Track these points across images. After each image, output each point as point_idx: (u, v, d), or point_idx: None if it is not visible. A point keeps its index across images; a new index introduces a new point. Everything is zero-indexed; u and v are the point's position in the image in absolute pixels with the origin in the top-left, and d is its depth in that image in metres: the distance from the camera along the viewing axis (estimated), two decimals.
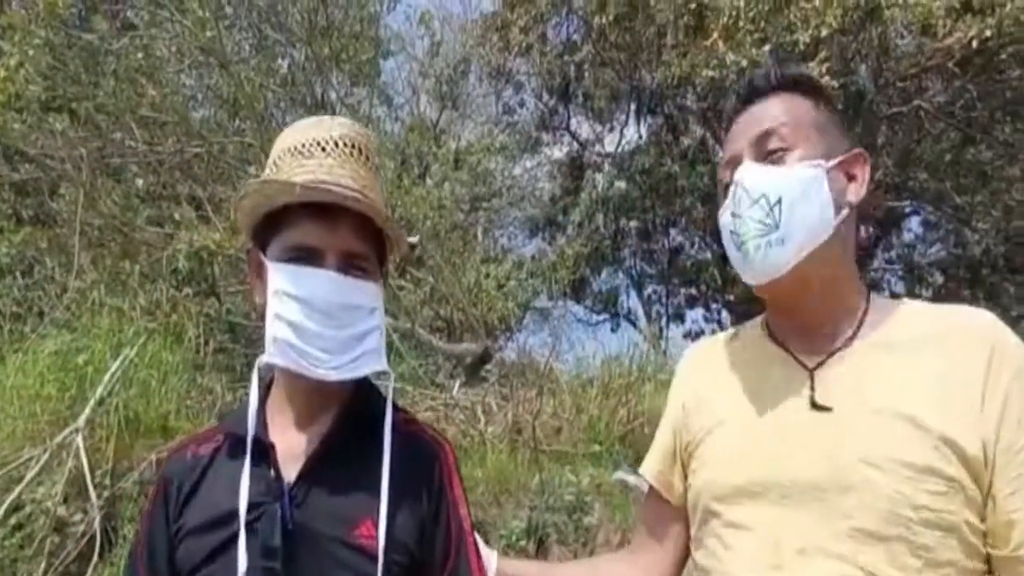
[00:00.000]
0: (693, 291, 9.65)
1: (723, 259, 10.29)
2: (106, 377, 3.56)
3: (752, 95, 0.96)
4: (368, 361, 0.95)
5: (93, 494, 3.02)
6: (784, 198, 0.87)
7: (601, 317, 9.88)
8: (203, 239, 4.96)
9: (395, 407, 1.00)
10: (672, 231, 9.66)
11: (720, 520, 0.92)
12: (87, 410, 3.37)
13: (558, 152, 10.24)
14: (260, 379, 0.96)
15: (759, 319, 1.03)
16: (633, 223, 9.26)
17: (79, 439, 3.18)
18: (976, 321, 0.86)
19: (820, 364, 0.89)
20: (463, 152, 8.54)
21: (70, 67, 6.27)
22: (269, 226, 0.98)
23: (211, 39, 6.41)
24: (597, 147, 10.16)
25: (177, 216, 5.39)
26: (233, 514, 0.90)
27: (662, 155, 8.91)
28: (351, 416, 0.98)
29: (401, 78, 10.05)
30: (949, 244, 8.59)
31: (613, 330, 10.13)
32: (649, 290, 10.01)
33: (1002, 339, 0.83)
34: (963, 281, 8.08)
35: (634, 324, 9.80)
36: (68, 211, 5.05)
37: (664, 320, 9.68)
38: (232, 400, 3.87)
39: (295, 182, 0.93)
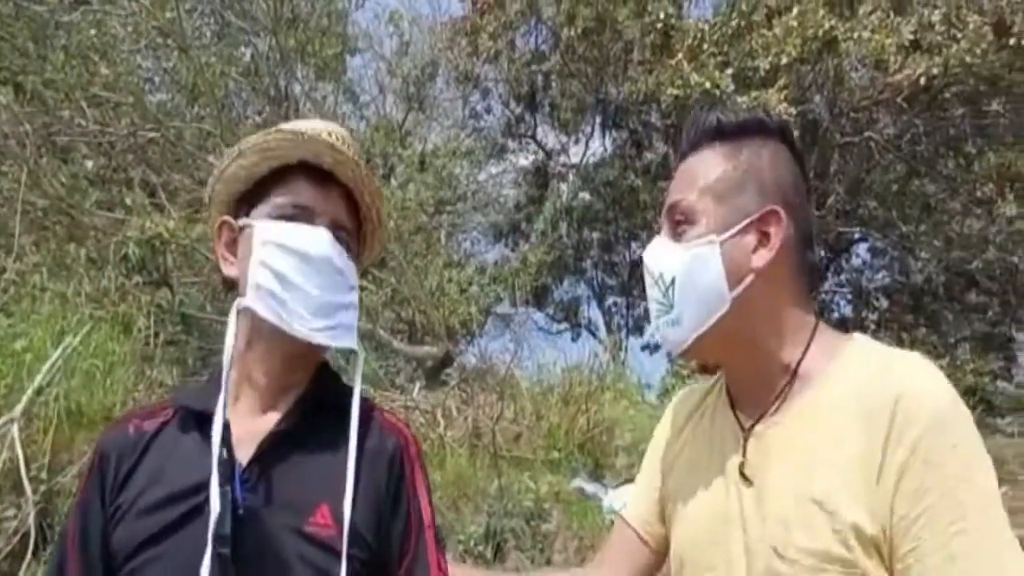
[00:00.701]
0: None
1: None
2: (46, 366, 3.36)
3: (683, 153, 0.95)
4: (343, 335, 0.92)
5: (28, 488, 2.83)
6: (677, 278, 0.87)
7: (562, 326, 9.95)
8: (156, 227, 4.76)
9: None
10: (633, 244, 9.82)
11: None
12: (24, 400, 3.17)
13: (523, 160, 10.30)
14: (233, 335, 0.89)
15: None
16: (596, 234, 9.38)
17: (14, 429, 2.99)
18: (890, 390, 0.78)
19: (753, 426, 0.88)
20: (429, 155, 8.49)
21: (17, 38, 5.96)
22: (252, 195, 0.95)
23: (170, 21, 6.20)
24: (562, 157, 10.27)
25: (129, 201, 5.16)
26: (183, 494, 0.84)
27: (626, 169, 9.06)
28: (311, 399, 0.93)
29: (368, 76, 9.95)
30: (894, 271, 9.00)
31: (573, 339, 10.25)
32: (610, 301, 10.16)
33: (910, 411, 0.76)
34: (906, 307, 8.46)
35: (594, 334, 9.90)
36: (9, 189, 4.76)
37: (624, 332, 9.81)
38: None
39: (303, 131, 0.92)
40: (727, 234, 0.86)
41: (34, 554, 2.70)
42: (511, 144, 10.31)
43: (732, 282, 0.86)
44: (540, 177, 10.13)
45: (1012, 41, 6.42)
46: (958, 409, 0.77)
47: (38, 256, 4.46)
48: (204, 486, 0.83)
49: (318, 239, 0.90)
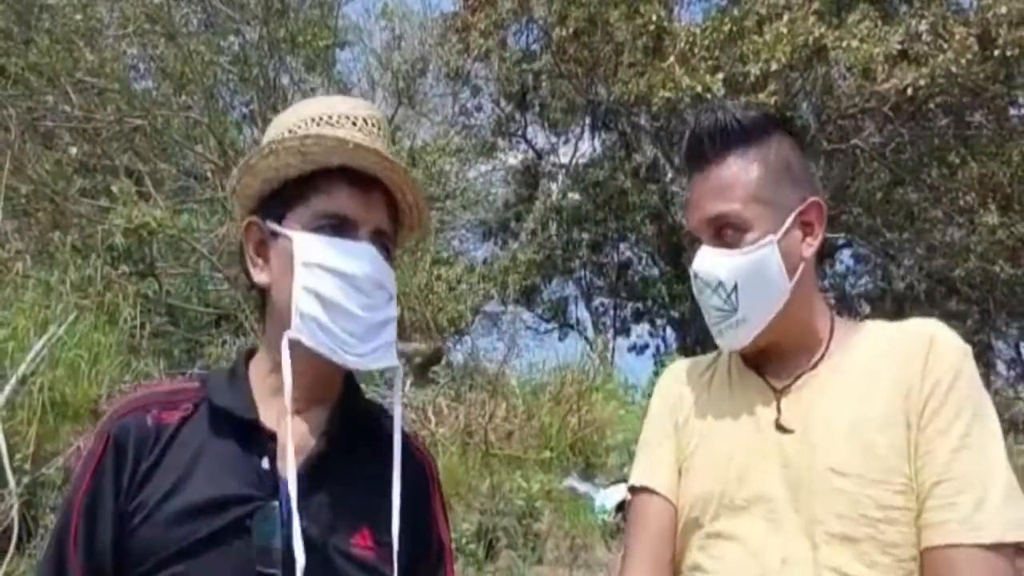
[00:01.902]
0: (640, 306, 9.89)
1: (671, 277, 10.58)
2: (29, 355, 3.28)
3: (703, 160, 0.96)
4: (386, 355, 0.88)
5: (12, 480, 2.76)
6: (740, 283, 0.92)
7: (550, 325, 9.97)
8: (143, 216, 4.67)
9: (383, 411, 0.95)
10: (622, 246, 9.87)
11: (703, 531, 0.95)
12: (7, 389, 3.09)
13: (513, 159, 10.29)
14: (288, 355, 0.84)
15: None
16: (585, 235, 9.40)
17: None
18: (923, 334, 0.92)
19: (786, 388, 0.95)
20: (418, 151, 8.43)
21: (1, 21, 5.83)
22: (285, 195, 0.88)
23: (158, 7, 6.10)
24: (552, 157, 10.28)
25: (115, 189, 5.05)
26: (223, 504, 0.78)
27: (615, 170, 9.09)
28: (346, 416, 0.90)
29: (357, 70, 9.86)
30: (877, 278, 9.14)
31: (561, 339, 10.28)
32: (597, 302, 10.20)
33: (944, 348, 0.90)
34: (888, 313, 8.60)
35: (582, 334, 9.95)
36: None
37: (611, 332, 9.86)
38: None
39: (349, 139, 0.85)
40: (781, 232, 0.92)
41: (17, 547, 2.63)
42: (501, 143, 10.29)
43: (790, 273, 0.93)
44: (530, 176, 10.12)
45: (996, 52, 6.53)
46: (971, 357, 0.92)
47: (21, 243, 4.35)
48: (245, 499, 0.79)
49: (364, 257, 0.85)
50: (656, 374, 6.65)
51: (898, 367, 0.90)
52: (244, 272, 0.93)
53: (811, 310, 0.97)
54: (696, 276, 0.96)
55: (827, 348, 0.95)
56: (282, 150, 0.86)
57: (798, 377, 0.94)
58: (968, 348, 0.91)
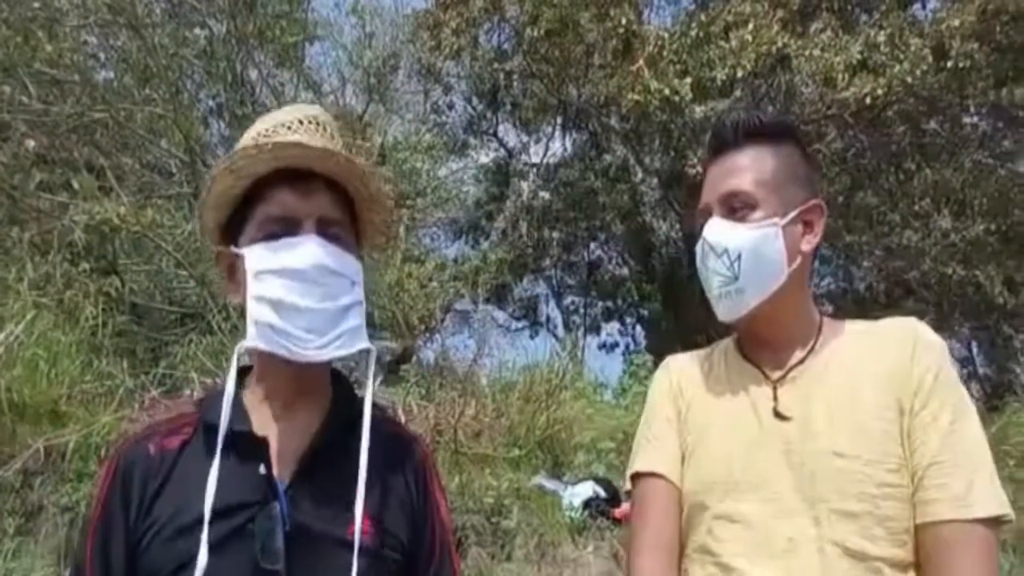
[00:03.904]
0: (610, 304, 10.02)
1: (640, 276, 10.65)
2: None
3: (722, 146, 1.06)
4: (351, 340, 0.89)
5: None
6: (744, 253, 1.01)
7: (521, 324, 10.03)
8: (105, 212, 4.56)
9: (374, 406, 0.97)
10: (592, 245, 9.96)
11: (709, 512, 1.00)
12: None
13: (484, 157, 10.30)
14: (237, 367, 0.89)
15: (730, 339, 1.16)
16: (556, 234, 9.47)
17: None
18: (907, 328, 1.03)
19: (782, 378, 1.03)
20: (389, 148, 8.38)
21: None
22: (239, 217, 0.92)
23: None
24: (523, 156, 10.31)
25: (75, 184, 4.92)
26: (226, 512, 0.83)
27: (585, 170, 9.16)
28: (337, 412, 0.93)
29: (327, 65, 9.75)
30: (839, 278, 9.40)
31: (532, 337, 10.35)
32: (568, 300, 10.29)
33: (926, 342, 1.00)
34: (849, 312, 8.83)
35: (553, 332, 10.04)
36: None
37: (582, 331, 9.95)
38: (134, 387, 3.57)
39: (263, 143, 0.88)
40: (786, 219, 1.02)
41: None
42: (472, 141, 10.29)
43: (789, 260, 1.02)
44: (501, 175, 10.15)
45: (950, 64, 6.77)
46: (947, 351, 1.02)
47: None
48: (245, 506, 0.83)
49: (304, 250, 0.87)
50: (626, 372, 6.74)
51: (887, 359, 0.98)
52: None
53: (803, 303, 1.06)
54: (704, 242, 1.04)
55: (816, 342, 1.04)
56: (218, 175, 0.89)
57: (792, 368, 1.03)
58: (945, 343, 1.02)
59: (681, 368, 1.15)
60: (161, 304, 4.69)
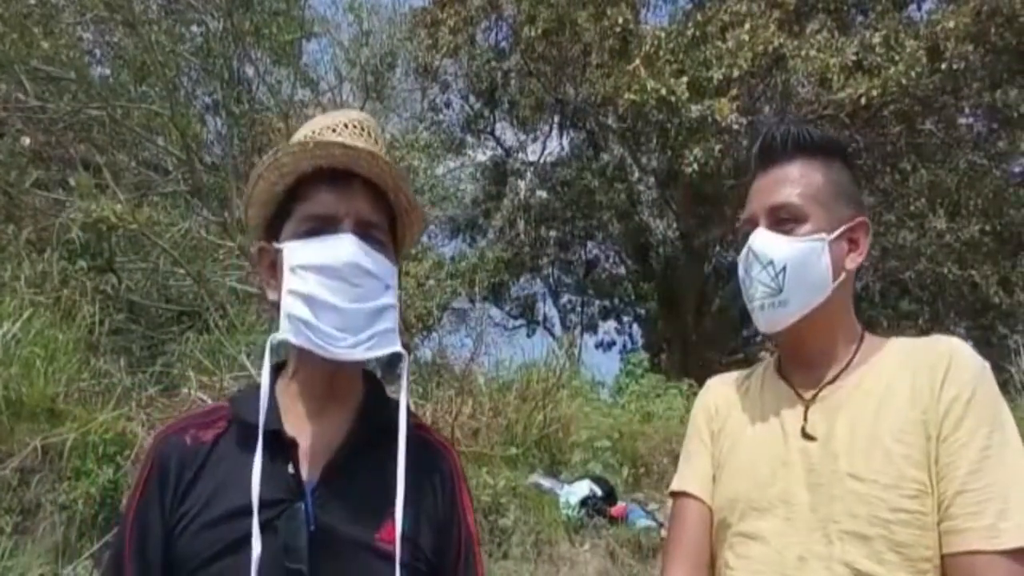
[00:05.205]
0: (607, 303, 10.04)
1: (637, 274, 10.63)
2: None
3: (772, 158, 1.05)
4: (383, 342, 0.89)
5: None
6: (789, 266, 1.00)
7: (518, 322, 10.05)
8: (101, 209, 4.55)
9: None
10: (589, 244, 9.97)
11: (732, 530, 1.03)
12: None
13: (482, 156, 10.29)
14: (271, 363, 0.89)
15: (772, 358, 1.16)
16: (553, 232, 9.48)
17: None
18: (942, 350, 0.99)
19: (814, 397, 1.02)
20: (387, 146, 8.37)
21: None
22: (280, 214, 0.94)
23: None
24: (520, 155, 10.31)
25: (71, 181, 4.91)
26: (246, 510, 0.83)
27: (583, 169, 9.17)
28: (368, 415, 0.94)
29: (324, 62, 9.72)
30: None
31: (529, 336, 10.35)
32: (565, 299, 10.30)
33: (961, 363, 0.96)
34: None
35: (550, 331, 10.05)
36: None
37: (578, 329, 9.97)
38: (131, 385, 3.56)
39: (310, 142, 0.90)
40: (833, 235, 1.01)
41: None
42: (470, 139, 10.29)
43: (834, 276, 1.00)
44: (498, 174, 10.15)
45: (944, 65, 6.81)
46: (990, 372, 0.98)
47: None
48: (274, 503, 0.84)
49: (341, 247, 0.88)
50: (622, 371, 6.76)
51: (917, 381, 0.96)
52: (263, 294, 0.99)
53: (844, 320, 1.04)
54: (749, 251, 1.03)
55: (852, 360, 1.02)
56: (264, 171, 0.91)
57: (824, 387, 1.01)
58: (986, 364, 0.97)
59: (719, 389, 1.17)
60: (158, 302, 4.69)
